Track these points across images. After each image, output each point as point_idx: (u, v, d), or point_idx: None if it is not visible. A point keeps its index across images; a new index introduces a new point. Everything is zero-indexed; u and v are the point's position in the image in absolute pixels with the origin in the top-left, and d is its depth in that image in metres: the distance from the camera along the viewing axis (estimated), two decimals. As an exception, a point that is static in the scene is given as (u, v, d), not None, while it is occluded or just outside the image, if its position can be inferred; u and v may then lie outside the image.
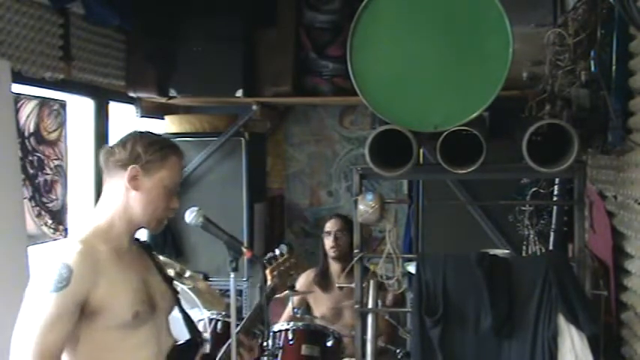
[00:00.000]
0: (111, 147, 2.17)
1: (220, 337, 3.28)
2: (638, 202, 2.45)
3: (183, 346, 2.27)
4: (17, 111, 3.26)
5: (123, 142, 2.15)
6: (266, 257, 3.11)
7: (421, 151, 3.43)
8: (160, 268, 2.31)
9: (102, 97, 4.16)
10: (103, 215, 2.16)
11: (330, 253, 4.12)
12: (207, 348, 3.13)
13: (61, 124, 3.65)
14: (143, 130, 2.30)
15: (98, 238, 2.10)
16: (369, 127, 5.03)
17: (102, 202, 2.18)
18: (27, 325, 1.95)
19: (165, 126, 4.88)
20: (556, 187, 3.42)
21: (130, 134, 2.19)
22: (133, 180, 2.11)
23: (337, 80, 4.55)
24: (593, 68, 2.78)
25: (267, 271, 2.98)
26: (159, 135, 2.26)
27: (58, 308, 1.95)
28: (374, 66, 2.52)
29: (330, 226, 4.16)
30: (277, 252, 3.11)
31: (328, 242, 4.13)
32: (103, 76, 4.15)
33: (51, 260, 2.00)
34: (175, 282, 3.45)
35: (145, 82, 4.47)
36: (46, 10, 3.49)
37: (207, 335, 3.29)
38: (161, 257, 3.87)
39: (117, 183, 2.14)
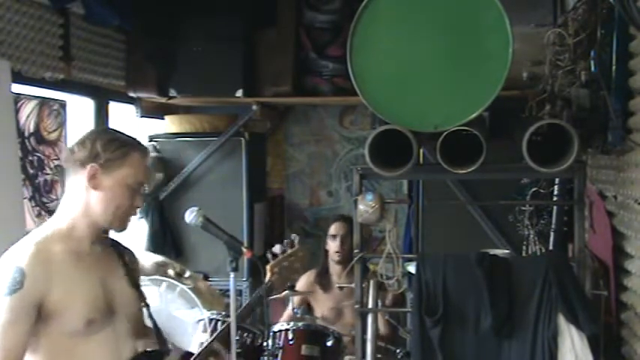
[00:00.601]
0: (71, 146, 2.13)
1: (220, 337, 3.28)
2: (638, 202, 2.45)
3: (147, 355, 2.22)
4: (17, 111, 3.26)
5: (82, 141, 2.11)
6: (272, 250, 2.93)
7: (421, 151, 3.43)
8: (129, 272, 2.25)
9: (102, 97, 4.16)
10: (64, 216, 2.12)
11: (335, 257, 4.08)
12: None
13: (61, 124, 3.64)
14: (105, 127, 2.27)
15: (56, 240, 2.06)
16: (369, 127, 5.03)
17: (63, 202, 2.14)
18: None
19: (165, 126, 4.88)
20: (556, 187, 3.42)
21: (90, 132, 2.15)
22: (93, 179, 2.07)
23: (337, 80, 4.55)
24: (593, 68, 2.78)
25: (268, 267, 2.85)
26: (121, 132, 2.20)
27: (13, 311, 1.93)
28: (374, 66, 2.52)
29: (335, 230, 4.10)
30: (284, 242, 2.94)
31: (334, 246, 4.09)
32: (103, 76, 4.15)
33: (5, 263, 1.98)
34: (175, 282, 3.46)
35: (145, 82, 4.47)
36: (46, 10, 3.49)
37: (199, 339, 3.25)
38: (161, 257, 3.88)
39: (77, 183, 2.10)
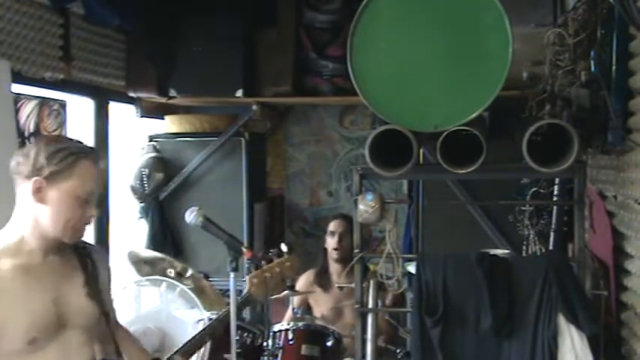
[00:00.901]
0: (16, 156, 2.02)
1: (220, 337, 3.28)
2: (638, 202, 2.45)
3: None
4: (17, 111, 3.25)
5: (26, 152, 2.00)
6: (259, 254, 2.78)
7: (421, 151, 3.43)
8: (89, 280, 2.13)
9: (102, 97, 4.16)
10: (13, 229, 2.03)
11: (333, 254, 4.09)
12: None
13: (61, 124, 3.64)
14: (51, 135, 2.13)
15: (4, 256, 1.98)
16: (369, 127, 5.03)
17: (13, 215, 2.06)
18: None
19: (166, 126, 4.88)
20: (556, 187, 3.42)
21: (35, 141, 2.03)
22: (37, 193, 1.96)
23: (337, 80, 4.55)
24: (593, 68, 2.78)
25: (247, 278, 2.71)
26: (68, 139, 2.09)
27: None
28: (374, 66, 2.52)
29: (334, 226, 4.11)
30: (271, 252, 2.77)
31: (332, 243, 4.09)
32: (103, 76, 4.15)
33: None
34: (175, 282, 3.47)
35: (145, 82, 4.47)
36: (46, 10, 3.49)
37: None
38: (161, 255, 3.89)
39: (24, 195, 2.00)
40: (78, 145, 2.05)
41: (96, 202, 2.08)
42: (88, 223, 2.08)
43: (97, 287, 2.15)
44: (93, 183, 2.04)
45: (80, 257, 2.14)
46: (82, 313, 2.08)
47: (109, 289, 2.30)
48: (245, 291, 2.72)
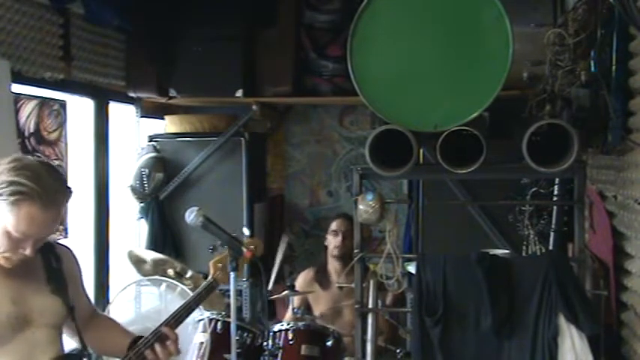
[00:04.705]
0: None
1: (220, 337, 3.28)
2: (638, 202, 2.45)
3: (66, 358, 2.14)
4: (17, 111, 3.26)
5: None
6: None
7: (421, 151, 3.43)
8: (52, 277, 2.13)
9: (102, 97, 4.16)
10: None
11: (334, 252, 4.11)
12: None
13: (61, 124, 3.64)
14: (19, 163, 1.96)
15: None
16: (369, 127, 5.03)
17: None
18: None
19: (165, 126, 4.89)
20: (556, 187, 3.42)
21: (9, 160, 1.97)
22: None
23: (337, 80, 4.55)
24: (593, 68, 2.78)
25: (211, 263, 2.69)
26: (34, 173, 1.95)
27: None
28: (374, 66, 2.53)
29: (337, 225, 4.14)
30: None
31: (334, 241, 4.12)
32: (103, 76, 4.14)
33: None
34: (175, 282, 3.47)
35: (145, 82, 4.47)
36: (46, 10, 3.49)
37: (199, 338, 3.23)
38: (161, 256, 3.88)
39: None
40: (33, 185, 1.94)
41: (35, 244, 2.01)
42: (22, 257, 2.02)
43: (62, 282, 2.15)
44: (33, 227, 1.96)
45: (42, 254, 2.14)
46: (48, 310, 2.09)
47: (80, 282, 2.31)
48: (210, 277, 2.68)
